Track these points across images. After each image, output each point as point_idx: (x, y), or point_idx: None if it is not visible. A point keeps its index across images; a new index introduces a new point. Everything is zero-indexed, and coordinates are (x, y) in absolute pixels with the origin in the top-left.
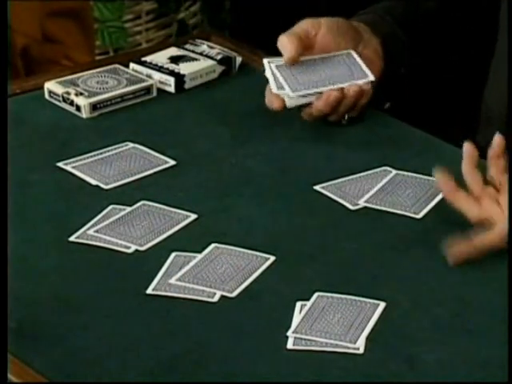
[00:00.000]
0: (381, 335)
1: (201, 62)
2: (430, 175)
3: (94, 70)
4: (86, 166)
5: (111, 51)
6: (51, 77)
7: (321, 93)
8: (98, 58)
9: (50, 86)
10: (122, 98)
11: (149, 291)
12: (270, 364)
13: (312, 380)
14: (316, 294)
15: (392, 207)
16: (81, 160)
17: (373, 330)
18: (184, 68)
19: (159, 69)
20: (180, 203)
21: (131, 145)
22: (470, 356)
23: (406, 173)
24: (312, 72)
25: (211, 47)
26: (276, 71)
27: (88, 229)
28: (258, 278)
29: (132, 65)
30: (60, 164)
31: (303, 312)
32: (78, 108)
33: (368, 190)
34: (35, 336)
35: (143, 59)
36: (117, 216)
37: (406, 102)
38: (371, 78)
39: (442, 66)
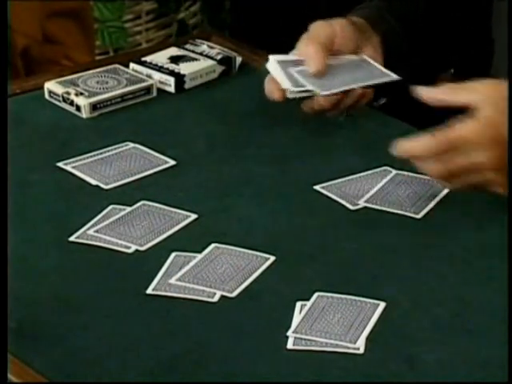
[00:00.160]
0: (381, 335)
1: (201, 62)
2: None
3: (94, 70)
4: (86, 166)
5: (111, 51)
6: (51, 77)
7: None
8: (98, 57)
9: (50, 85)
10: (122, 98)
11: (149, 291)
12: (270, 364)
13: (312, 380)
14: (316, 294)
15: (392, 207)
16: (81, 160)
17: (373, 330)
18: (184, 68)
19: (159, 69)
20: (180, 203)
21: (131, 145)
22: (470, 356)
23: (405, 173)
24: (335, 74)
25: (211, 47)
26: (294, 73)
27: (88, 229)
28: (257, 277)
29: (132, 65)
30: (60, 164)
31: (303, 312)
32: (78, 108)
33: (368, 190)
34: (35, 336)
35: (143, 59)
36: (117, 216)
37: (406, 102)
38: (395, 76)
39: (441, 65)
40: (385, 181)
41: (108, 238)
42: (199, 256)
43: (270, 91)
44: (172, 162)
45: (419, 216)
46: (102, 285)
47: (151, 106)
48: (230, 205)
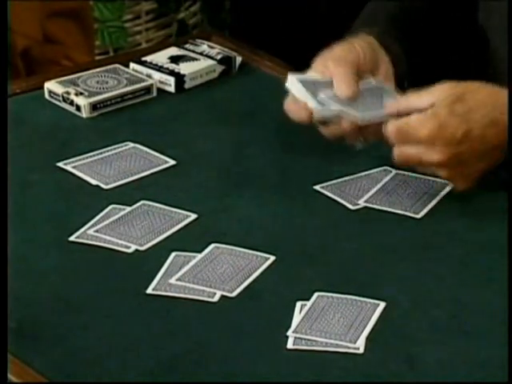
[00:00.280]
0: (381, 335)
1: (201, 62)
2: (430, 175)
3: (94, 70)
4: (86, 166)
5: (111, 51)
6: (51, 77)
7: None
8: (97, 57)
9: (50, 85)
10: (122, 97)
11: (149, 291)
12: (270, 364)
13: (312, 380)
14: (316, 294)
15: (392, 207)
16: (81, 160)
17: (373, 330)
18: (184, 68)
19: (159, 69)
20: (180, 203)
21: (131, 145)
22: (470, 356)
23: (405, 173)
24: (363, 99)
25: (211, 47)
26: (319, 92)
27: (88, 229)
28: (257, 277)
29: (132, 65)
30: (60, 164)
31: (303, 312)
32: (78, 108)
33: (368, 190)
34: (35, 336)
35: (143, 59)
36: (117, 216)
37: None
38: None
39: (441, 66)
40: (385, 181)
41: (108, 237)
42: (199, 256)
43: (295, 113)
44: (172, 162)
45: (419, 216)
46: (101, 285)
47: (151, 106)
48: (230, 205)
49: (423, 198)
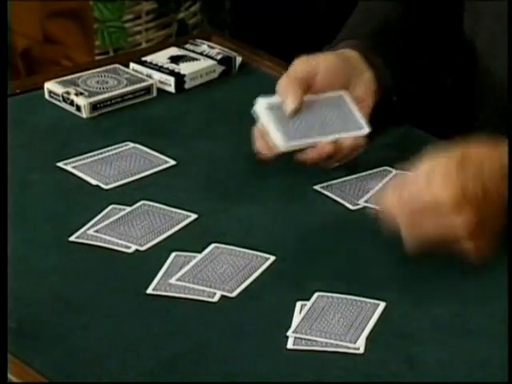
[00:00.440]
0: (381, 335)
1: (201, 62)
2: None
3: (94, 70)
4: (86, 166)
5: (111, 51)
6: (51, 77)
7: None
8: (97, 57)
9: (50, 85)
10: (122, 97)
11: (149, 291)
12: (270, 364)
13: (312, 380)
14: (316, 294)
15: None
16: (81, 160)
17: (373, 330)
18: (184, 68)
19: (159, 69)
20: (180, 203)
21: (131, 145)
22: (470, 356)
23: (406, 173)
24: (305, 120)
25: (211, 47)
26: (271, 116)
27: (88, 229)
28: (257, 277)
29: (132, 65)
30: (60, 164)
31: (303, 312)
32: (78, 108)
33: (368, 190)
34: (35, 336)
35: (143, 59)
36: (117, 216)
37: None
38: (366, 130)
39: (428, 78)
40: (385, 181)
41: (108, 237)
42: (199, 256)
43: (261, 147)
44: (172, 162)
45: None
46: (101, 285)
47: (151, 106)
48: (230, 205)
49: None
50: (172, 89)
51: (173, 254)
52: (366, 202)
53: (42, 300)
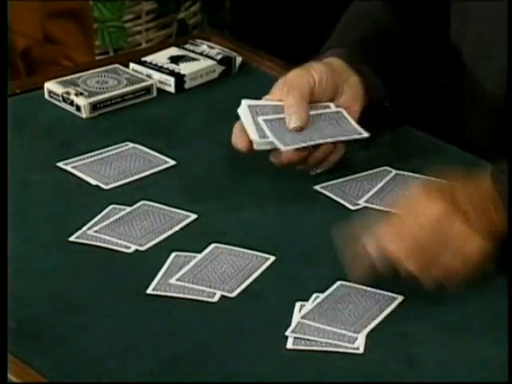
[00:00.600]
0: (381, 335)
1: (201, 62)
2: (430, 175)
3: (94, 70)
4: (86, 166)
5: (111, 51)
6: (51, 77)
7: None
8: (98, 58)
9: (50, 85)
10: (122, 97)
11: (149, 291)
12: (270, 364)
13: (312, 380)
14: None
15: (392, 207)
16: (81, 160)
17: (373, 330)
18: (184, 68)
19: (159, 69)
20: (180, 203)
21: (131, 145)
22: (470, 356)
23: (405, 173)
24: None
25: (211, 47)
26: (261, 122)
27: (88, 229)
28: (257, 277)
29: (132, 65)
30: (60, 164)
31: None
32: (78, 108)
33: (368, 189)
34: (35, 336)
35: (143, 59)
36: (117, 216)
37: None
38: (365, 134)
39: (418, 84)
40: (385, 181)
41: (108, 237)
42: (199, 256)
43: (236, 140)
44: (172, 162)
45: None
46: (101, 285)
47: (151, 106)
48: (230, 205)
49: None
50: (172, 89)
51: (173, 254)
52: (366, 202)
53: (42, 300)
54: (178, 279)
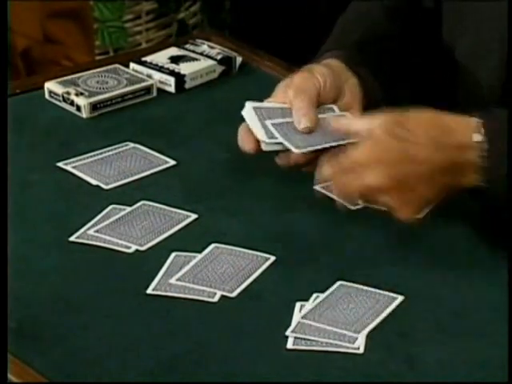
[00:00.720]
0: (381, 335)
1: (201, 62)
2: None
3: (94, 70)
4: (86, 166)
5: (111, 51)
6: (51, 77)
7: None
8: (98, 58)
9: (50, 85)
10: (122, 97)
11: (149, 291)
12: (270, 364)
13: (312, 380)
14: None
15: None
16: (81, 160)
17: (373, 330)
18: (184, 68)
19: (159, 69)
20: (180, 203)
21: (131, 145)
22: (470, 356)
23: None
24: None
25: (211, 47)
26: (269, 124)
27: (88, 229)
28: (257, 277)
29: (132, 65)
30: (60, 164)
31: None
32: (78, 108)
33: None
34: (35, 336)
35: (143, 59)
36: (117, 216)
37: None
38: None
39: (411, 84)
40: None
41: (108, 237)
42: (199, 256)
43: (243, 142)
44: (172, 162)
45: (419, 216)
46: (102, 285)
47: (151, 106)
48: (230, 205)
49: None
50: (172, 89)
51: (173, 254)
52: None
53: (42, 300)
54: (178, 279)
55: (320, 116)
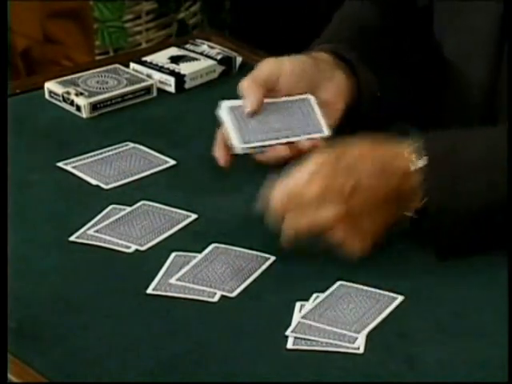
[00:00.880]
0: (381, 335)
1: (201, 62)
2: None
3: (94, 70)
4: (86, 166)
5: (111, 51)
6: (51, 77)
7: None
8: (98, 58)
9: (50, 85)
10: (122, 97)
11: (149, 291)
12: (270, 364)
13: (312, 380)
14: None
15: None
16: (81, 160)
17: (373, 330)
18: (184, 68)
19: (159, 69)
20: (180, 203)
21: (131, 145)
22: (470, 356)
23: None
24: (266, 122)
25: (211, 47)
26: (232, 117)
27: (88, 229)
28: (257, 277)
29: (132, 65)
30: (60, 164)
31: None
32: (78, 108)
33: None
34: (35, 336)
35: (143, 59)
36: (117, 216)
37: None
38: (326, 133)
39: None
40: None
41: (108, 237)
42: (199, 256)
43: (219, 150)
44: (172, 162)
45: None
46: (101, 285)
47: (151, 106)
48: (230, 205)
49: None
50: (172, 89)
51: (173, 254)
52: None
53: (42, 300)
54: (178, 279)
55: (282, 100)
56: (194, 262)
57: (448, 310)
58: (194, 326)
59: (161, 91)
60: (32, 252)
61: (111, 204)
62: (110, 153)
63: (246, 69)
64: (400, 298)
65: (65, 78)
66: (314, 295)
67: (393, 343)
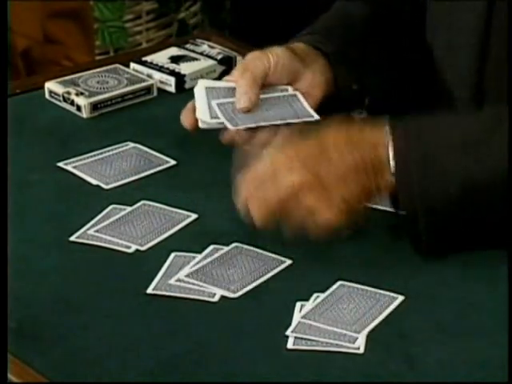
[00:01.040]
0: (381, 335)
1: (201, 62)
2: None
3: (95, 70)
4: (86, 166)
5: (111, 51)
6: (51, 77)
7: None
8: (98, 57)
9: (51, 85)
10: (123, 97)
11: (149, 291)
12: (270, 364)
13: (312, 380)
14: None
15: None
16: (81, 160)
17: (373, 330)
18: (184, 68)
19: (160, 69)
20: (180, 203)
21: (131, 145)
22: (470, 356)
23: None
24: (253, 109)
25: (212, 47)
26: (214, 104)
27: (88, 229)
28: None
29: (132, 65)
30: (60, 164)
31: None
32: (79, 108)
33: None
34: (35, 336)
35: (144, 59)
36: (117, 216)
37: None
38: (316, 117)
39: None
40: None
41: (108, 237)
42: (199, 256)
43: (184, 118)
44: (172, 162)
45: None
46: (102, 285)
47: (151, 106)
48: (230, 205)
49: None
50: (172, 89)
51: (173, 254)
52: None
53: (42, 300)
54: (177, 279)
55: (268, 95)
56: (193, 262)
57: (448, 310)
58: (193, 326)
59: (161, 91)
60: (32, 252)
61: (111, 204)
62: (111, 153)
63: None
64: (400, 298)
65: (65, 77)
66: (314, 295)
67: (393, 343)
